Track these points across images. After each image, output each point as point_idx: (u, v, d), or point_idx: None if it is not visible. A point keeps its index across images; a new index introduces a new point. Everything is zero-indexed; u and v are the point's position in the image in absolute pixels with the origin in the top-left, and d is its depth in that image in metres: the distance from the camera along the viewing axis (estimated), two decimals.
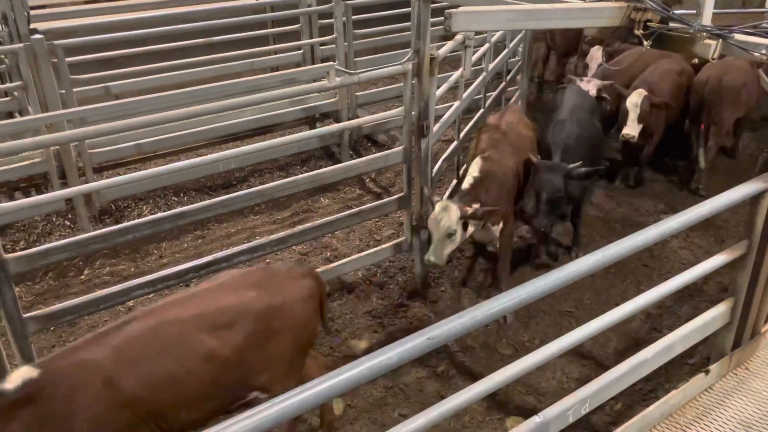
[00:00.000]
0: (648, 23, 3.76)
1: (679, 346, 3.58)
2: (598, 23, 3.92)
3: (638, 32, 3.78)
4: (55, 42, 6.02)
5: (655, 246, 5.61)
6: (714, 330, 3.79)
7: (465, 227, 4.70)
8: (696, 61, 7.09)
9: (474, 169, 5.01)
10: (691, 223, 3.17)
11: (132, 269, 5.90)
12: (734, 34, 3.53)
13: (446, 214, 4.57)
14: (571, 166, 5.08)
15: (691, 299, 5.35)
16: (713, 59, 3.66)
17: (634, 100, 6.45)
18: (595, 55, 7.65)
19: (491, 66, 7.06)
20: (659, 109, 6.62)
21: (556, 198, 5.04)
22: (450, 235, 4.59)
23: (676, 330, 3.60)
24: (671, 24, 3.72)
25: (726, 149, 7.74)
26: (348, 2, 7.62)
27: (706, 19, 3.62)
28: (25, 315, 3.78)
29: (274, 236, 4.74)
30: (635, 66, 7.24)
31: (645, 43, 3.75)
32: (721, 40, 3.54)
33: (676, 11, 3.71)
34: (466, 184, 4.96)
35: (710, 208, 3.21)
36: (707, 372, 3.75)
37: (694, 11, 3.66)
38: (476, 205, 4.69)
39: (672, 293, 3.38)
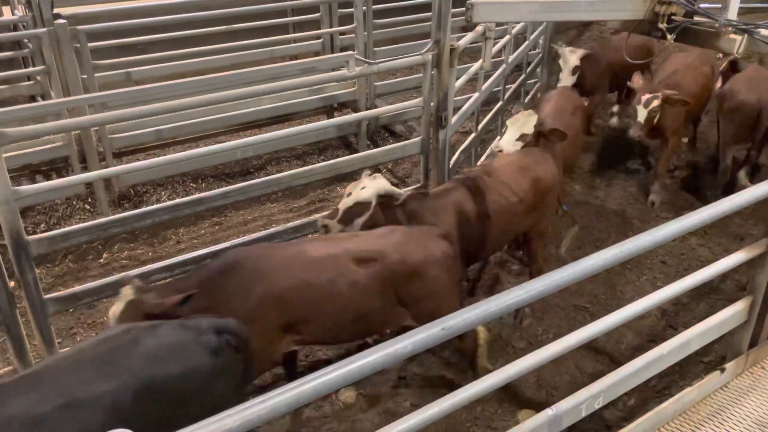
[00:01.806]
0: (672, 17, 3.73)
1: (695, 344, 3.56)
2: (622, 16, 3.89)
3: (662, 26, 3.75)
4: (78, 27, 6.05)
5: (673, 242, 5.56)
6: (731, 328, 3.76)
7: None
8: (721, 56, 6.90)
9: None
10: (710, 220, 3.14)
11: (150, 254, 5.96)
12: (760, 29, 3.49)
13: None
14: None
15: (708, 297, 5.30)
16: (738, 54, 3.62)
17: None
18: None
19: (511, 58, 7.01)
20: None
21: None
22: None
23: (692, 327, 3.58)
24: (696, 18, 3.68)
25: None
26: None
27: (732, 14, 3.57)
28: (46, 296, 3.84)
29: (290, 224, 4.77)
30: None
31: (669, 36, 3.72)
32: (746, 35, 3.50)
33: (701, 5, 3.67)
34: None
35: (730, 206, 3.17)
36: (722, 370, 3.73)
37: (720, 5, 3.62)
38: None
39: (689, 290, 3.36)
